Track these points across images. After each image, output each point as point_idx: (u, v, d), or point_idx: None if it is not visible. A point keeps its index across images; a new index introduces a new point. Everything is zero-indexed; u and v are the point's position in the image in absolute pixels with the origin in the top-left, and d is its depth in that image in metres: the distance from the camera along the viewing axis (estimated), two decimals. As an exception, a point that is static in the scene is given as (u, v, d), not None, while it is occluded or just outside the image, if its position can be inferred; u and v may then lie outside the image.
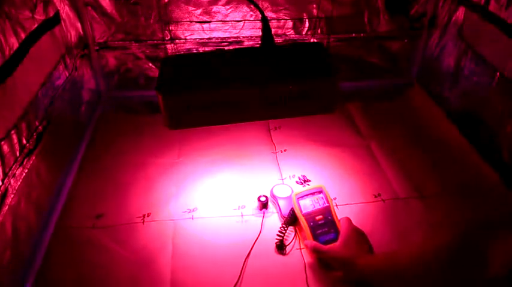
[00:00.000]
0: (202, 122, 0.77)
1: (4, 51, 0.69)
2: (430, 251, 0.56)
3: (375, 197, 0.85)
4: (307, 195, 0.77)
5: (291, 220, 0.77)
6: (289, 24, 1.13)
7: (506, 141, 0.87)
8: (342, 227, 0.71)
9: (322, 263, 0.71)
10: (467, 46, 1.00)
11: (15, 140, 0.71)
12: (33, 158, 0.77)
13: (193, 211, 0.83)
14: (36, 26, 0.81)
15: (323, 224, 0.73)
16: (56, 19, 0.92)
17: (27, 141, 0.75)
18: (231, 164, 0.95)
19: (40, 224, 0.79)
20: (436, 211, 0.82)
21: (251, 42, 1.15)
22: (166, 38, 1.12)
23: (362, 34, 1.16)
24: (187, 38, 1.13)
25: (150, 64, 1.16)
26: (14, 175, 0.70)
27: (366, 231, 0.72)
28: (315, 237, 0.72)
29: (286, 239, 0.76)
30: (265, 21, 0.75)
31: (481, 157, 0.94)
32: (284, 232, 0.76)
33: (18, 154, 0.72)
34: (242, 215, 0.82)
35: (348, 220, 0.73)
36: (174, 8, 1.07)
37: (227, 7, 1.09)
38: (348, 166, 0.93)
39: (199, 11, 1.09)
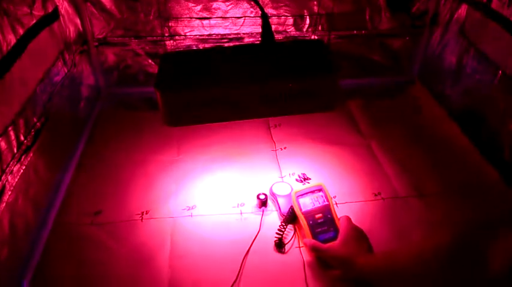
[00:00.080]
0: (201, 119, 0.77)
1: (2, 46, 0.68)
2: (430, 250, 0.56)
3: (375, 195, 0.85)
4: (306, 193, 0.76)
5: (290, 218, 0.77)
6: (290, 21, 1.12)
7: (508, 139, 0.87)
8: (341, 226, 0.71)
9: (321, 261, 0.71)
10: (469, 44, 1.00)
11: (13, 137, 0.71)
12: (31, 154, 0.76)
13: (192, 208, 0.83)
14: (34, 21, 0.81)
15: (322, 223, 0.73)
16: (54, 15, 0.91)
17: (25, 137, 0.75)
18: (230, 161, 0.94)
19: (38, 220, 0.79)
20: (436, 209, 0.81)
21: (251, 39, 1.14)
22: (166, 35, 1.11)
23: (363, 31, 1.16)
24: (187, 34, 1.12)
25: (150, 60, 1.15)
26: (11, 172, 0.70)
27: (366, 230, 0.72)
28: (314, 235, 0.72)
29: (285, 238, 0.76)
30: (265, 17, 0.74)
31: (481, 155, 0.93)
32: (283, 230, 0.75)
33: (15, 151, 0.72)
34: (241, 213, 0.81)
35: (348, 218, 0.72)
36: (173, 4, 1.07)
37: (227, 3, 1.08)
38: (348, 164, 0.93)
39: (199, 7, 1.08)
